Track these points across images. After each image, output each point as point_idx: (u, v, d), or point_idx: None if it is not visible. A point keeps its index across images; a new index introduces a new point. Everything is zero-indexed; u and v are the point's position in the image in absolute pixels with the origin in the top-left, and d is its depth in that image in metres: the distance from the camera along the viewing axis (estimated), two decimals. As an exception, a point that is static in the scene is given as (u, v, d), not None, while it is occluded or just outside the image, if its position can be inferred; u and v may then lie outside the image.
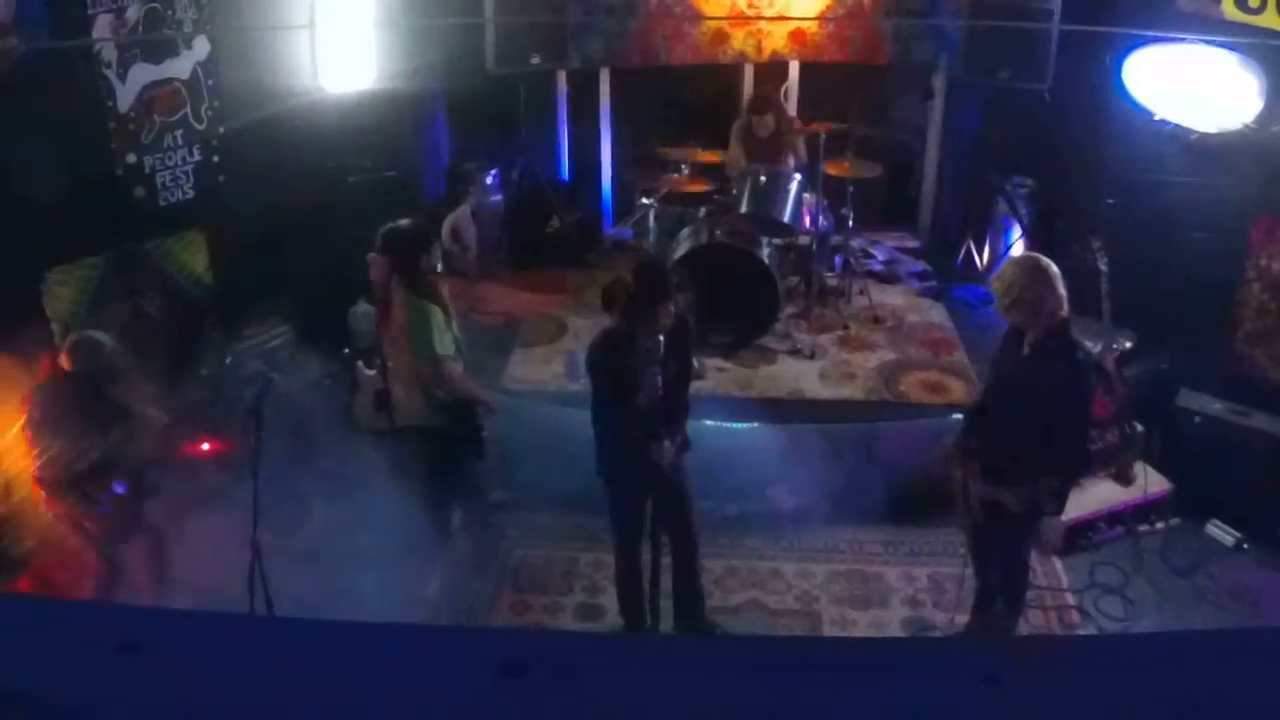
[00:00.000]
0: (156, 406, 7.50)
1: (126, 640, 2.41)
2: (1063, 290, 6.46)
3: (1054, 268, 6.49)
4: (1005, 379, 6.83)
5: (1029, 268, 6.53)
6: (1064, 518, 8.74)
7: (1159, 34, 9.42)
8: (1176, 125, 9.51)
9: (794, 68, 12.39)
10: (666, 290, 6.88)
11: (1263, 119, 9.00)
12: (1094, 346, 9.36)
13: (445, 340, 7.65)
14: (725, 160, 11.46)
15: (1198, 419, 9.11)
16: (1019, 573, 7.24)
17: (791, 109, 12.21)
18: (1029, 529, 7.02)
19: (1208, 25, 9.16)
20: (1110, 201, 10.07)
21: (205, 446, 8.56)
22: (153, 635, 2.50)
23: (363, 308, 9.71)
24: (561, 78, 12.61)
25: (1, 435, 7.35)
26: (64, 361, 7.21)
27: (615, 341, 7.04)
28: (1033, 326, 6.54)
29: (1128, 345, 9.73)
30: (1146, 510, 8.94)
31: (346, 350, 9.66)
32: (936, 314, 11.26)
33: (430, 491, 7.69)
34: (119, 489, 7.26)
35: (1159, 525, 8.98)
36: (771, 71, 12.46)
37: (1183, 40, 9.29)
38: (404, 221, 7.72)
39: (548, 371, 10.21)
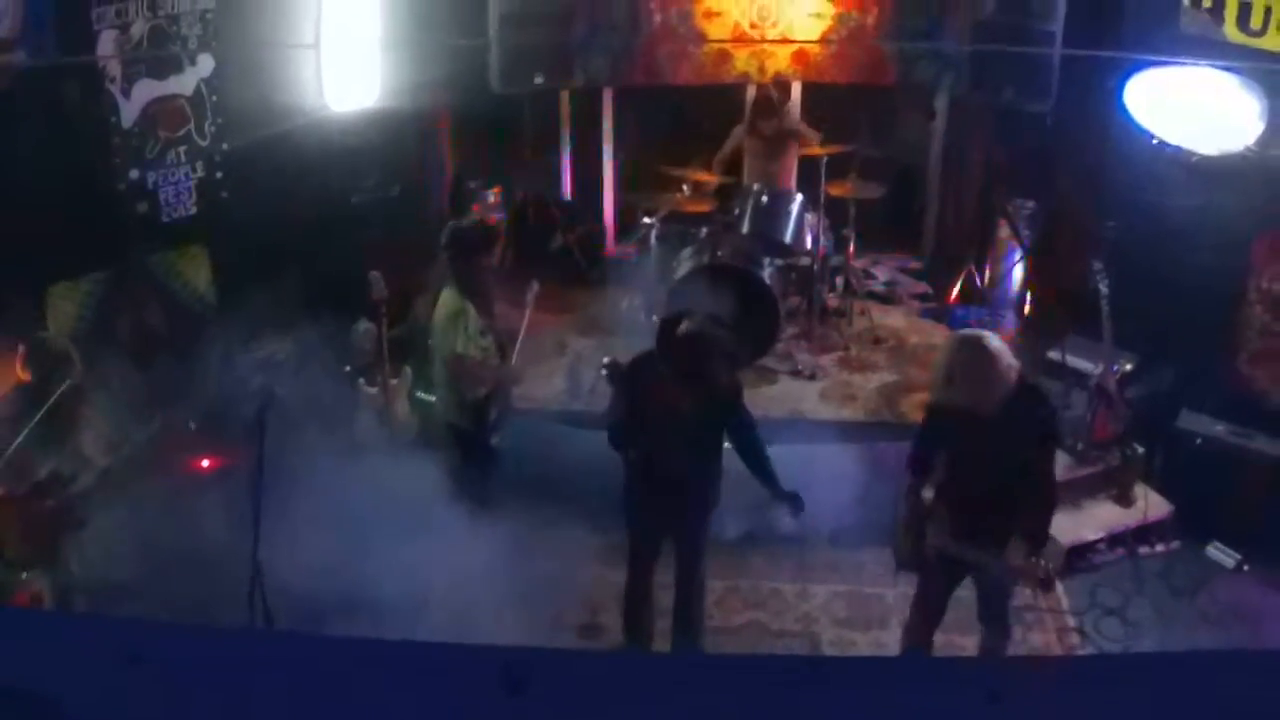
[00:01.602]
0: (106, 454, 7.46)
1: (132, 653, 2.42)
2: (1010, 361, 6.23)
3: (996, 343, 6.27)
4: (970, 448, 6.49)
5: (967, 347, 6.31)
6: (1064, 540, 8.76)
7: (1161, 58, 9.44)
8: (1178, 147, 9.52)
9: (797, 88, 12.41)
10: (693, 371, 6.91)
11: (1264, 141, 9.02)
12: (1095, 368, 9.38)
13: (473, 342, 7.80)
14: (716, 157, 11.52)
15: (1199, 440, 9.10)
16: (1003, 602, 7.14)
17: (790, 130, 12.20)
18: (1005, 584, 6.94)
19: (1210, 47, 9.19)
20: (1112, 223, 10.06)
21: (205, 463, 8.55)
22: (159, 649, 2.50)
23: (364, 325, 9.70)
24: (565, 96, 12.64)
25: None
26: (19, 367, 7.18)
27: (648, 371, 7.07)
28: (978, 406, 6.25)
29: (1129, 367, 9.74)
30: (1147, 532, 8.94)
31: (348, 367, 9.65)
32: (938, 335, 11.26)
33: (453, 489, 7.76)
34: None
35: (1160, 547, 8.97)
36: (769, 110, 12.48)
37: (1184, 63, 9.31)
38: (466, 221, 7.84)
39: (550, 389, 10.22)
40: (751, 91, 12.23)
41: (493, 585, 8.20)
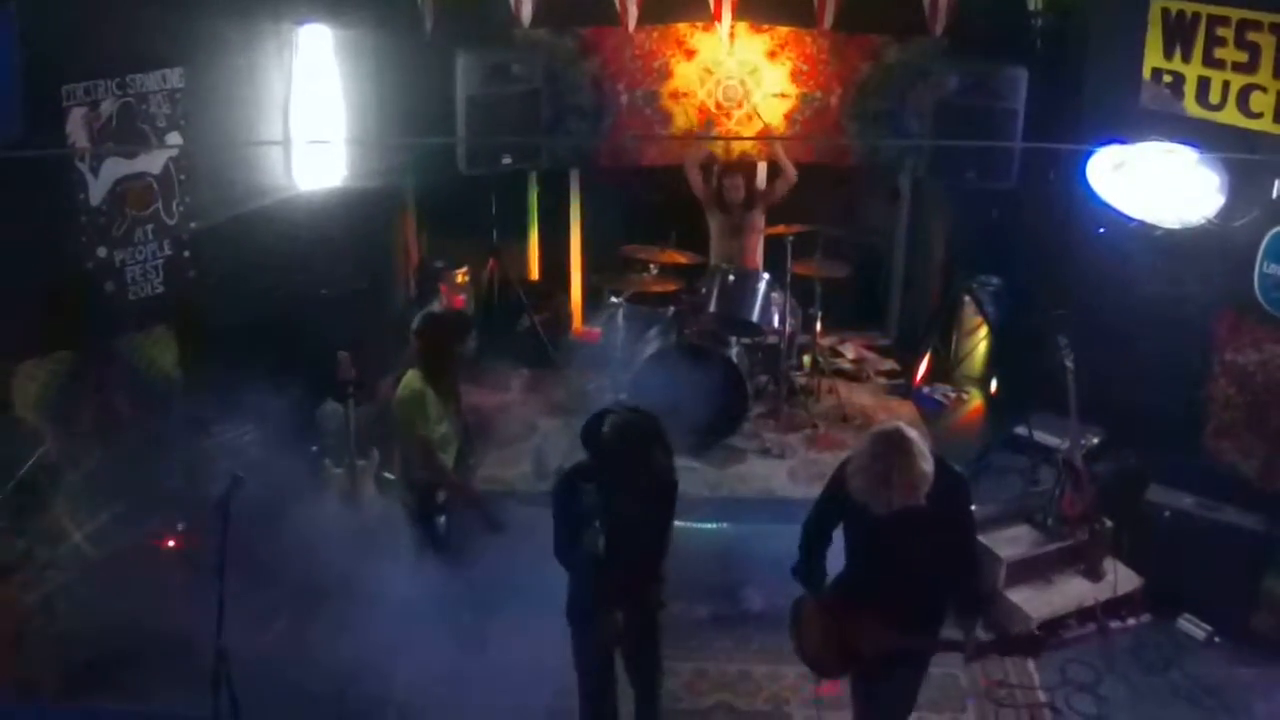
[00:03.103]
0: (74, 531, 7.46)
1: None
2: (928, 457, 5.91)
3: (915, 437, 5.94)
4: (887, 539, 6.10)
5: (885, 443, 5.94)
6: (1035, 615, 8.73)
7: (1120, 135, 9.56)
8: (1141, 222, 9.61)
9: (762, 168, 12.51)
10: (637, 465, 6.54)
11: (1224, 214, 9.12)
12: (1062, 443, 9.39)
13: (432, 425, 7.79)
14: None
15: (1167, 514, 9.08)
16: (907, 705, 6.88)
17: (756, 201, 12.24)
18: (926, 664, 6.77)
19: (1170, 122, 9.30)
20: (1076, 298, 10.13)
21: (170, 543, 8.48)
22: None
23: (330, 406, 9.70)
24: (532, 178, 12.70)
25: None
26: None
27: (585, 479, 6.61)
28: (889, 504, 5.88)
29: (1095, 441, 9.78)
30: (1118, 606, 8.89)
31: (315, 448, 9.62)
32: (905, 412, 11.28)
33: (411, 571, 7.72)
34: None
35: (1130, 621, 8.94)
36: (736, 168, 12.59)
37: (1145, 139, 9.43)
38: (441, 308, 7.86)
39: (515, 471, 10.19)
40: (717, 174, 12.35)
41: (454, 673, 8.14)
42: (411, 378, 7.80)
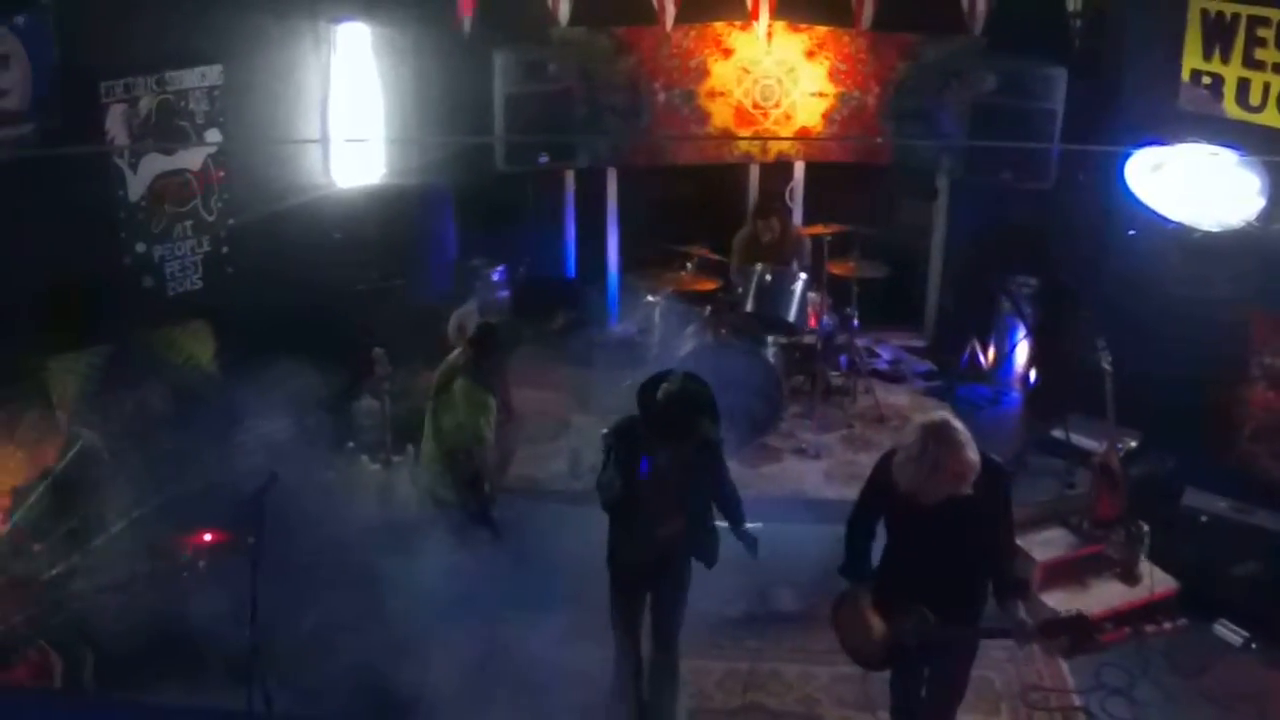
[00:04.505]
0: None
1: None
2: (972, 454, 5.97)
3: (960, 428, 6.03)
4: (929, 530, 6.22)
5: (934, 434, 6.00)
6: (1070, 618, 8.69)
7: (1159, 136, 9.51)
8: (1179, 224, 9.55)
9: (799, 168, 12.49)
10: (682, 431, 6.92)
11: (1264, 216, 9.06)
12: (1099, 446, 9.35)
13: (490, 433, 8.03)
14: (730, 269, 11.54)
15: (1204, 518, 9.03)
16: (959, 693, 6.99)
17: (797, 209, 12.28)
18: (974, 652, 6.84)
19: (1209, 124, 9.25)
20: (1113, 300, 10.08)
21: (207, 537, 8.52)
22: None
23: (366, 402, 9.72)
24: (569, 176, 12.70)
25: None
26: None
27: (626, 434, 7.06)
28: (936, 493, 6.00)
29: (1132, 444, 9.73)
30: (1153, 610, 8.84)
31: (351, 444, 9.65)
32: (941, 415, 11.22)
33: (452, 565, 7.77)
34: None
35: (1166, 625, 8.84)
36: (777, 171, 12.57)
37: (1183, 140, 9.37)
38: (494, 318, 7.94)
39: (550, 469, 10.19)
40: (755, 172, 12.32)
41: (490, 667, 8.16)
42: (469, 387, 7.87)
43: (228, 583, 7.50)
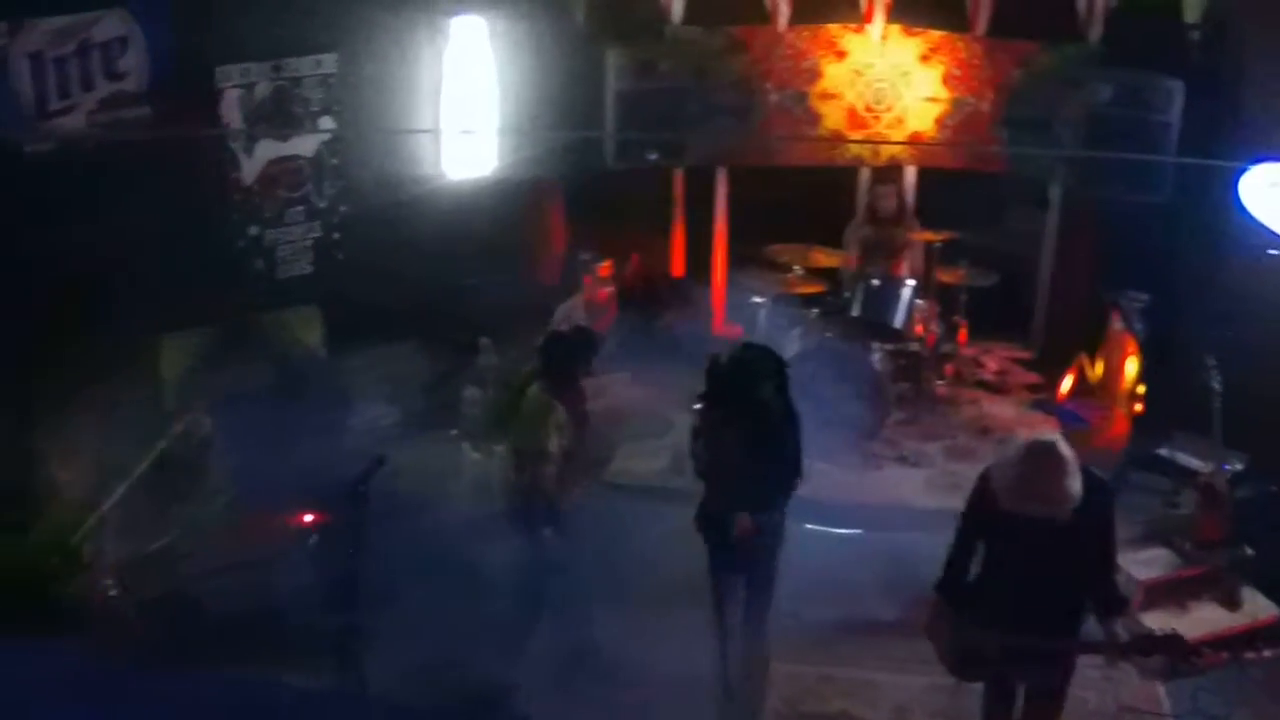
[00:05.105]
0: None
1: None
2: (1073, 482, 5.88)
3: (1066, 449, 5.95)
4: (1031, 550, 6.10)
5: (1039, 454, 5.94)
6: (1164, 636, 8.54)
7: (1276, 153, 9.33)
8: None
9: (910, 173, 12.39)
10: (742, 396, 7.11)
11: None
12: (1204, 466, 9.20)
13: (557, 437, 7.82)
14: (841, 265, 11.48)
15: (1309, 543, 8.88)
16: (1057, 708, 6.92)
17: (908, 214, 12.18)
18: (1072, 668, 6.72)
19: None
20: (1225, 318, 9.92)
21: (308, 518, 8.60)
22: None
23: (470, 391, 9.77)
24: (678, 174, 12.69)
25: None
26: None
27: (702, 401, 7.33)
28: (1040, 514, 5.93)
29: (1239, 466, 9.54)
30: (1254, 637, 8.68)
31: (454, 432, 9.71)
32: (1046, 428, 11.06)
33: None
34: None
35: (1266, 653, 8.71)
36: (888, 177, 12.50)
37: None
38: (566, 328, 7.91)
39: (651, 466, 10.19)
40: (865, 176, 12.24)
41: (584, 661, 8.16)
42: (537, 393, 7.84)
43: (327, 565, 7.59)
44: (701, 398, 7.40)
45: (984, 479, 6.28)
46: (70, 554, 7.86)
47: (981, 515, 6.36)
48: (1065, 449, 5.94)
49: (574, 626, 8.17)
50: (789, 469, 7.48)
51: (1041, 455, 5.92)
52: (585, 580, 8.33)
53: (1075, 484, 5.88)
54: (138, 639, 7.55)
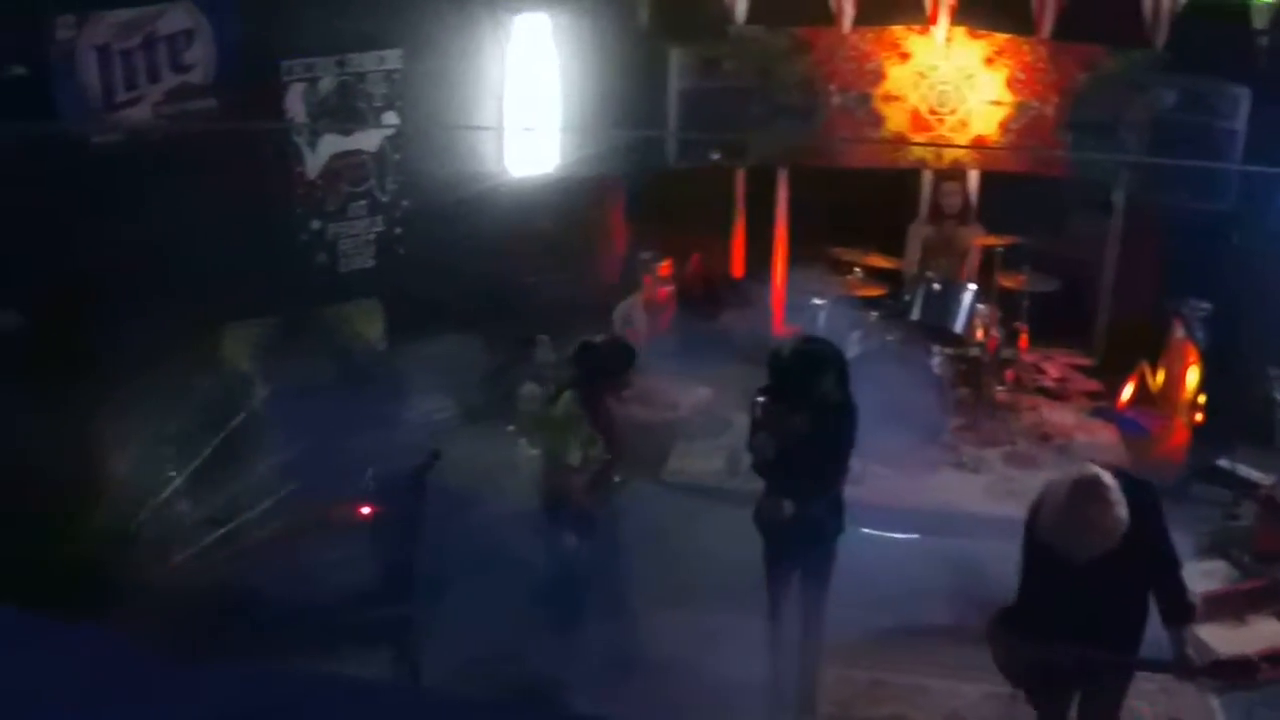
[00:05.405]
0: None
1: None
2: (1122, 511, 5.76)
3: (1110, 483, 5.80)
4: (1082, 576, 5.93)
5: (1084, 491, 5.78)
6: (1222, 654, 8.45)
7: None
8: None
9: (973, 176, 12.32)
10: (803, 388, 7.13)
11: None
12: (1265, 479, 9.10)
13: (582, 450, 7.78)
14: (902, 265, 11.44)
15: (1373, 559, 8.77)
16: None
17: (972, 215, 12.11)
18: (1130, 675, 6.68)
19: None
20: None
21: (365, 510, 8.65)
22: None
23: (528, 387, 9.80)
24: (740, 175, 12.67)
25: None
26: None
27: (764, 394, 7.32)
28: (1087, 551, 5.79)
29: (1300, 479, 9.46)
30: (1313, 653, 8.60)
31: (510, 428, 9.74)
32: (1106, 436, 11.02)
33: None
34: None
35: (1325, 671, 8.63)
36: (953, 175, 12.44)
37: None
38: (600, 338, 7.88)
39: (708, 466, 10.18)
40: (928, 177, 12.19)
41: (636, 660, 8.17)
42: (569, 399, 7.81)
43: (382, 556, 7.64)
44: (763, 390, 7.38)
45: (1033, 511, 6.19)
46: (129, 541, 7.94)
47: (1036, 548, 6.25)
48: (1108, 479, 5.81)
49: (617, 627, 8.18)
50: (841, 462, 7.54)
51: (1087, 493, 5.79)
52: (623, 581, 8.36)
53: (1123, 511, 5.76)
54: (193, 627, 7.61)
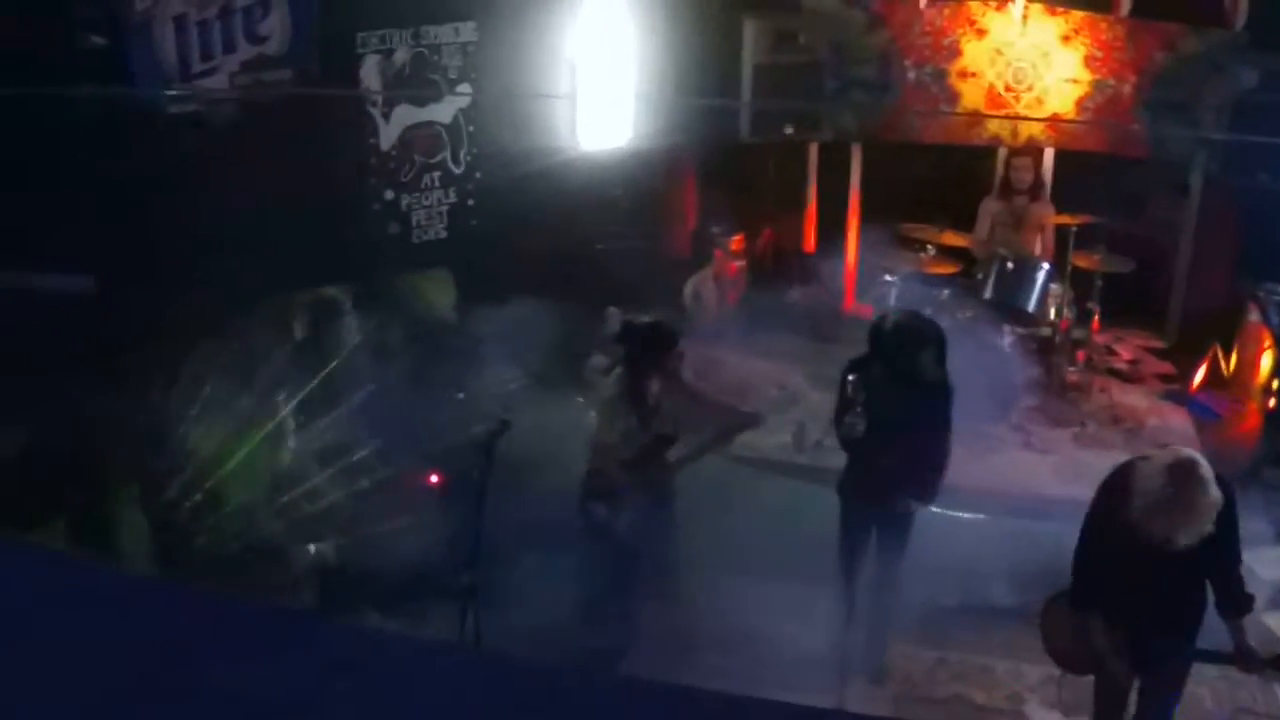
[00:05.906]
0: None
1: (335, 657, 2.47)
2: (1216, 491, 5.76)
3: (1206, 466, 5.81)
4: (1163, 560, 5.94)
5: (1181, 475, 5.76)
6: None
7: None
8: None
9: (1049, 154, 12.23)
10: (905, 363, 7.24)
11: None
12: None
13: (625, 432, 7.74)
14: (972, 239, 11.39)
15: None
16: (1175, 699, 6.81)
17: (1044, 191, 12.03)
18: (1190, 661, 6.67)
19: None
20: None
21: (434, 478, 8.73)
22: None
23: (597, 359, 9.83)
24: (813, 149, 12.64)
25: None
26: None
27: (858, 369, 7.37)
28: (1188, 535, 5.77)
29: (1363, 471, 9.37)
30: (1385, 645, 8.51)
31: (580, 399, 9.77)
32: (1177, 420, 10.93)
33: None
34: None
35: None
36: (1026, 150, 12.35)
37: None
38: (645, 319, 7.85)
39: (774, 441, 10.18)
40: (1002, 154, 12.11)
41: (699, 631, 8.20)
42: (619, 376, 7.80)
43: (449, 523, 7.71)
44: (857, 363, 7.42)
45: (1109, 493, 6.17)
46: (205, 507, 8.05)
47: (1111, 529, 6.21)
48: (1204, 461, 5.81)
49: (675, 600, 8.22)
50: (941, 444, 7.62)
51: (1188, 475, 5.77)
52: (678, 556, 8.36)
53: (1218, 493, 5.76)
54: (268, 590, 7.72)
